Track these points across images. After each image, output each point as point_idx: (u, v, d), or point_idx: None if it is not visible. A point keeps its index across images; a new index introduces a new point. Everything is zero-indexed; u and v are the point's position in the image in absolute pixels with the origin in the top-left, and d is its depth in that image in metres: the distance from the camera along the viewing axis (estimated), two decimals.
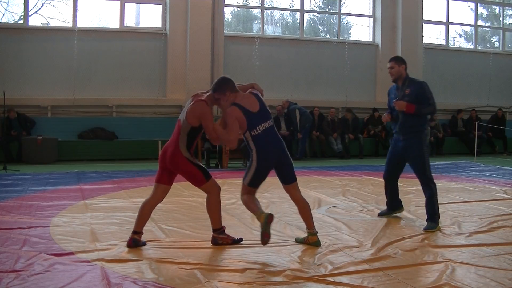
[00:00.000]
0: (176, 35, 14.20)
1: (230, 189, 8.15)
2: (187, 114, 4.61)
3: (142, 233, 4.76)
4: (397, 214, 6.18)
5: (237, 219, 5.87)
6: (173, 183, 8.78)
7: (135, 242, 4.64)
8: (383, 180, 6.17)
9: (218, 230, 4.81)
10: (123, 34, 14.11)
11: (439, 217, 5.61)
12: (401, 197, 7.39)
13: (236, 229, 5.37)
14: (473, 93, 17.37)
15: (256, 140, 4.65)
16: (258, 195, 7.47)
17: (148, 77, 14.18)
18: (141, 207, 4.84)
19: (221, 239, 4.77)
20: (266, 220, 4.42)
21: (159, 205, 6.60)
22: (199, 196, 7.33)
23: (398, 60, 5.79)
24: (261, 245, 4.54)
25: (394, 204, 6.14)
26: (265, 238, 4.44)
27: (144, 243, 4.71)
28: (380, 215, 6.16)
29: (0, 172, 10.02)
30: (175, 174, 4.81)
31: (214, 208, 4.81)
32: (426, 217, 5.61)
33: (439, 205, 5.70)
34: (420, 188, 8.16)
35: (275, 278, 3.82)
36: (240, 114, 4.60)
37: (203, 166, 4.88)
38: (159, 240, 4.90)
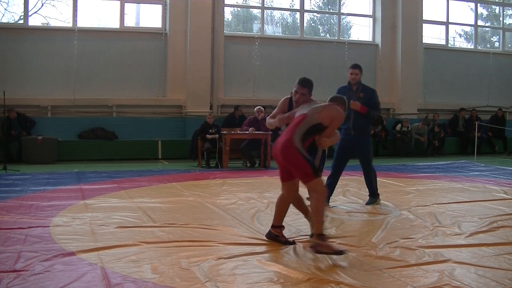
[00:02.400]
0: (176, 35, 14.20)
1: (230, 189, 8.15)
2: (323, 113, 4.61)
3: (283, 227, 4.87)
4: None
5: (238, 220, 5.86)
6: (173, 183, 8.84)
7: (270, 235, 4.82)
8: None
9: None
10: (123, 34, 14.12)
11: (378, 195, 6.91)
12: (401, 197, 7.45)
13: (236, 229, 5.37)
14: (473, 93, 17.37)
15: None
16: (258, 194, 7.51)
17: (148, 77, 14.18)
18: (277, 203, 4.90)
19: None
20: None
21: (159, 205, 6.66)
22: (199, 196, 7.35)
23: (361, 69, 6.90)
24: (261, 245, 4.62)
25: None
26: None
27: (284, 241, 4.76)
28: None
29: (0, 172, 10.02)
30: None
31: (316, 208, 4.46)
32: (368, 194, 6.95)
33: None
34: (420, 188, 8.21)
35: (275, 278, 3.81)
36: None
37: (313, 163, 4.58)
38: (159, 240, 4.89)
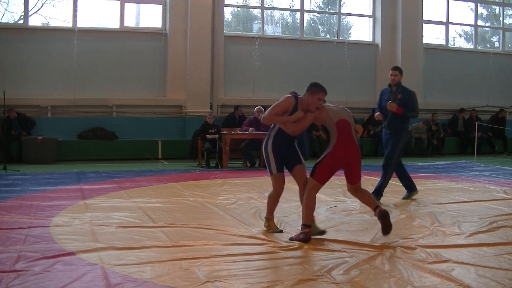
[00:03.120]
0: (176, 35, 14.21)
1: (230, 189, 8.15)
2: (350, 115, 5.17)
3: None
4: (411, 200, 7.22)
5: (238, 220, 5.86)
6: (173, 183, 8.85)
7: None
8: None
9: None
10: (123, 34, 14.12)
11: (381, 196, 7.09)
12: (401, 198, 7.44)
13: (236, 229, 5.37)
14: (473, 93, 17.37)
15: None
16: (258, 194, 7.51)
17: (148, 77, 14.18)
18: (311, 199, 5.05)
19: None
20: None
21: (159, 205, 6.67)
22: (199, 196, 7.35)
23: (401, 71, 7.17)
24: (261, 245, 4.63)
25: (410, 186, 7.34)
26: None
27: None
28: (404, 198, 7.29)
29: (0, 172, 10.02)
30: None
31: (369, 198, 5.20)
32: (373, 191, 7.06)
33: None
34: (420, 188, 8.21)
35: (275, 278, 3.81)
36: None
37: None
38: (159, 240, 4.89)
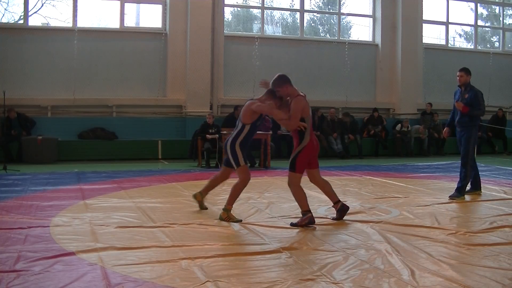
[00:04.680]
0: (176, 35, 14.21)
1: (230, 189, 8.13)
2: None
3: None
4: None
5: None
6: (173, 183, 8.85)
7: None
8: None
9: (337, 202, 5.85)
10: (123, 34, 14.12)
11: (464, 193, 7.31)
12: (402, 196, 7.44)
13: (236, 229, 5.37)
14: None
15: None
16: (258, 194, 7.51)
17: (148, 77, 14.19)
18: (300, 190, 5.58)
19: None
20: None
21: (159, 205, 6.67)
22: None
23: (467, 72, 7.56)
24: (262, 245, 4.63)
25: (476, 185, 7.61)
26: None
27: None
28: (467, 192, 7.52)
29: (0, 172, 10.02)
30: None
31: (330, 190, 5.86)
32: (455, 188, 7.39)
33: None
34: (420, 188, 8.20)
35: (275, 278, 3.81)
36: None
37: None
38: (159, 240, 4.90)
